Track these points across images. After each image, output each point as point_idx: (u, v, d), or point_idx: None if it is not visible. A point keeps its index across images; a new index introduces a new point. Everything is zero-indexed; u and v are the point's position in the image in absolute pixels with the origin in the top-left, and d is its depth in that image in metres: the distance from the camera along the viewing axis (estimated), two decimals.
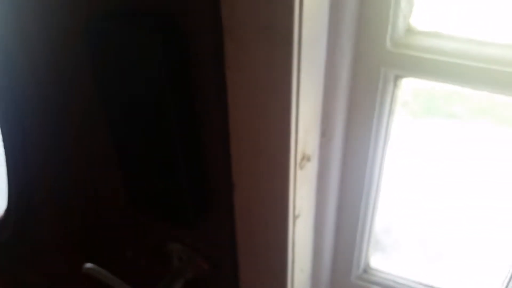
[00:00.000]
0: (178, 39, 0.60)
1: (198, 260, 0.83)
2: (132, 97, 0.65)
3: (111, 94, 0.67)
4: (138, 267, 0.93)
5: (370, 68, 0.62)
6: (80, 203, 0.94)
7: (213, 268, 0.82)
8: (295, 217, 0.67)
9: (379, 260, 0.84)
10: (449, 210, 1.45)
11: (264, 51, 0.53)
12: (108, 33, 0.61)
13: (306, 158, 0.65)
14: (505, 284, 0.75)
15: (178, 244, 0.83)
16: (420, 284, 0.82)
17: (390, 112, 0.67)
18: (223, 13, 0.54)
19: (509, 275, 0.74)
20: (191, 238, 0.82)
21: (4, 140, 0.93)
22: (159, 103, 0.63)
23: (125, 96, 0.66)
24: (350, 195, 0.75)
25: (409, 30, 0.60)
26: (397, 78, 0.64)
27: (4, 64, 0.80)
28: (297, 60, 0.53)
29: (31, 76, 0.79)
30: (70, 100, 0.78)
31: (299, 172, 0.63)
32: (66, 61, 0.73)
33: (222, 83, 0.59)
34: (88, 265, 0.83)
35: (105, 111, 0.69)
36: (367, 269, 0.84)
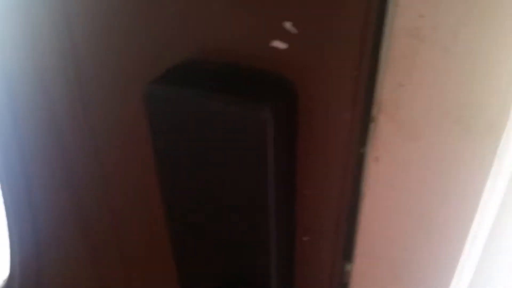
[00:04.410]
0: (294, 122, 0.41)
1: None
2: (204, 190, 0.44)
3: (176, 182, 0.46)
4: None
5: None
6: None
7: None
8: None
9: None
10: None
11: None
12: (178, 103, 0.41)
13: None
14: None
15: None
16: None
17: None
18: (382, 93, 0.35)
19: None
20: None
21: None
22: (249, 203, 0.43)
23: (196, 187, 0.45)
24: None
25: None
26: None
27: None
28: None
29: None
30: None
31: None
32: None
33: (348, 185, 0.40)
34: None
35: (167, 208, 0.48)
36: None
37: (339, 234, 0.45)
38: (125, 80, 0.49)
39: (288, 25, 0.37)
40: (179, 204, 0.47)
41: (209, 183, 0.44)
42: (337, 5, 0.35)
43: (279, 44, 0.39)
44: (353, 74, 0.37)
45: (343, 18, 0.35)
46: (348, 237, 0.45)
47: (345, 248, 0.46)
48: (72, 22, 0.49)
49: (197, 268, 0.52)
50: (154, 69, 0.45)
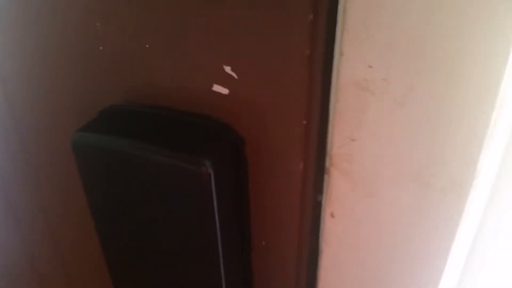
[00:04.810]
0: (242, 171, 0.37)
1: None
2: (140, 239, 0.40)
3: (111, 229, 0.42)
4: None
5: None
6: None
7: None
8: None
9: None
10: None
11: None
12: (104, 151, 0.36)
13: None
14: None
15: None
16: None
17: None
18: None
19: None
20: None
21: None
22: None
23: (132, 233, 0.41)
24: None
25: None
26: None
27: None
28: None
29: None
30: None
31: None
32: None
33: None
34: None
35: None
36: None
37: None
38: (60, 119, 0.45)
39: (228, 69, 0.33)
40: (116, 249, 0.43)
41: (148, 232, 0.39)
42: (279, 51, 0.31)
43: (220, 89, 0.35)
44: (302, 122, 0.33)
45: (287, 64, 0.31)
46: None
47: None
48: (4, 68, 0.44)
49: None
50: (91, 109, 0.41)
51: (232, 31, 0.31)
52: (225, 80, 0.34)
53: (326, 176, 0.34)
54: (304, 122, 0.33)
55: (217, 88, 0.34)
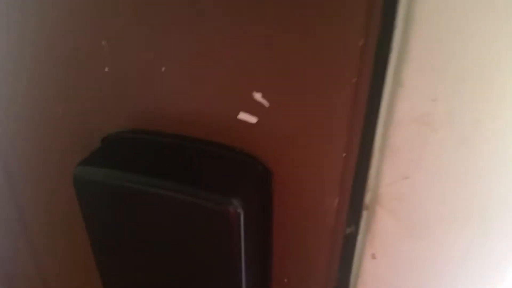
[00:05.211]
0: (269, 206, 0.33)
1: None
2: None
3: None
4: None
5: None
6: None
7: None
8: None
9: None
10: None
11: None
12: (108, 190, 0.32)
13: None
14: None
15: None
16: None
17: None
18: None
19: None
20: None
21: None
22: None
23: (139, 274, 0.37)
24: None
25: None
26: None
27: None
28: None
29: None
30: None
31: None
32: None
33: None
34: None
35: None
36: None
37: None
38: (59, 147, 0.40)
39: (258, 96, 0.30)
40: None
41: (163, 272, 0.35)
42: (321, 77, 0.27)
43: (247, 117, 0.31)
44: (341, 155, 0.30)
45: (328, 92, 0.27)
46: None
47: None
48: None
49: None
50: (94, 137, 0.36)
51: (265, 53, 0.28)
52: (253, 107, 0.30)
53: (365, 213, 0.31)
54: (344, 154, 0.30)
55: (243, 116, 0.31)
